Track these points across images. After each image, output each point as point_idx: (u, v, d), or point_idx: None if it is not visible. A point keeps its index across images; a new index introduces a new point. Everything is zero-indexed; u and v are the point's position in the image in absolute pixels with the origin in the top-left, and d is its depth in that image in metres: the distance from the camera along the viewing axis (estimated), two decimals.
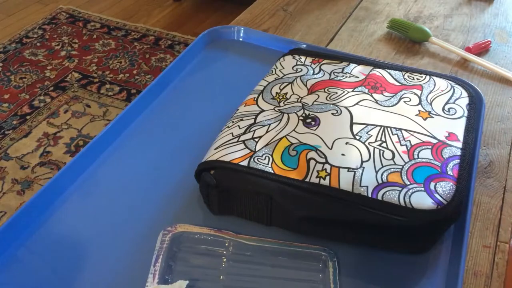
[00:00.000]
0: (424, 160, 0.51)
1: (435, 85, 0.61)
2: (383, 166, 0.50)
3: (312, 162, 0.50)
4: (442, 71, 0.77)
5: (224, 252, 0.51)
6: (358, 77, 0.62)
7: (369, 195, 0.47)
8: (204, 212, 0.55)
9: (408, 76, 0.63)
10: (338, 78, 0.62)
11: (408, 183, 0.48)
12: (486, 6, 0.95)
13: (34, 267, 0.50)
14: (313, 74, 0.64)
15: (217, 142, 0.55)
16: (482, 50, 0.82)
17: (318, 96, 0.59)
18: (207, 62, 0.78)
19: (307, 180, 0.49)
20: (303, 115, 0.56)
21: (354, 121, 0.55)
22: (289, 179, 0.49)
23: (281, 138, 0.53)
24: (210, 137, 0.59)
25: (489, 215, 0.57)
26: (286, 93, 0.61)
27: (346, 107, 0.57)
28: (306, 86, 0.61)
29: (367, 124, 0.55)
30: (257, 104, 0.60)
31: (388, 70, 0.64)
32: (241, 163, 0.51)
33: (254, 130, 0.55)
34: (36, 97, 1.69)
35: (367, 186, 0.48)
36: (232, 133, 0.55)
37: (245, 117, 0.58)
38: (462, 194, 0.48)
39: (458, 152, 0.52)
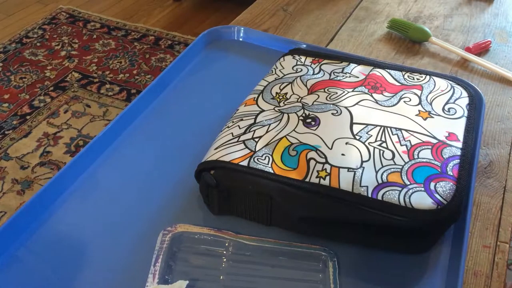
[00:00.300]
0: (424, 160, 0.51)
1: (435, 85, 0.61)
2: (383, 166, 0.50)
3: (312, 162, 0.50)
4: (442, 71, 0.77)
5: (224, 252, 0.51)
6: (358, 77, 0.62)
7: (369, 195, 0.47)
8: (204, 212, 0.55)
9: (408, 76, 0.63)
10: (338, 78, 0.62)
11: (408, 183, 0.48)
12: (486, 6, 0.95)
13: (34, 267, 0.50)
14: (313, 74, 0.64)
15: (217, 142, 0.55)
16: (482, 50, 0.82)
17: (318, 96, 0.59)
18: (207, 62, 0.78)
19: (307, 180, 0.49)
20: (303, 115, 0.56)
21: (354, 121, 0.55)
22: (289, 179, 0.49)
23: (281, 138, 0.53)
24: (210, 137, 0.59)
25: (489, 215, 0.57)
26: (286, 93, 0.61)
27: (346, 107, 0.57)
28: (306, 86, 0.61)
29: (367, 124, 0.55)
30: (257, 104, 0.60)
31: (388, 70, 0.64)
32: (241, 163, 0.51)
33: (254, 130, 0.55)
34: (36, 97, 1.69)
35: (367, 186, 0.48)
36: (232, 133, 0.55)
37: (245, 117, 0.58)
38: (462, 194, 0.48)
39: (458, 152, 0.52)
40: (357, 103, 0.58)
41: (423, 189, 0.47)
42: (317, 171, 0.49)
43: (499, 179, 0.61)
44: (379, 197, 0.47)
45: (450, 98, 0.60)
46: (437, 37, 0.84)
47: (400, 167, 0.50)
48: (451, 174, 0.49)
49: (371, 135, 0.53)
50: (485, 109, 0.66)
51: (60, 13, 2.15)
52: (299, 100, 0.59)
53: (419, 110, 0.57)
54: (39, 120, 1.60)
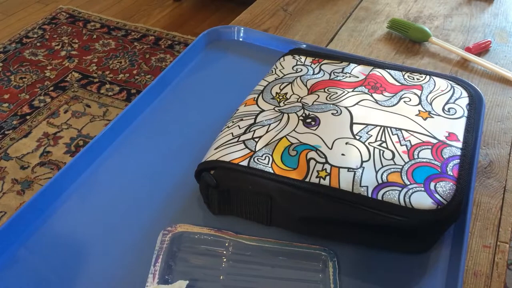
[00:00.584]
0: (424, 160, 0.51)
1: (435, 85, 0.61)
2: (383, 166, 0.50)
3: (312, 162, 0.50)
4: (442, 71, 0.77)
5: (224, 252, 0.51)
6: (358, 77, 0.62)
7: (369, 195, 0.47)
8: (204, 212, 0.55)
9: (408, 76, 0.63)
10: (338, 78, 0.62)
11: (408, 183, 0.48)
12: (486, 6, 0.95)
13: (34, 267, 0.50)
14: (313, 74, 0.64)
15: (217, 142, 0.55)
16: (482, 50, 0.82)
17: (318, 96, 0.59)
18: (207, 62, 0.78)
19: (307, 180, 0.49)
20: (303, 115, 0.56)
21: (354, 121, 0.55)
22: (289, 179, 0.49)
23: (281, 138, 0.53)
24: (210, 137, 0.59)
25: (489, 215, 0.57)
26: (286, 93, 0.61)
27: (346, 107, 0.57)
28: (306, 86, 0.61)
29: (367, 124, 0.55)
30: (257, 104, 0.60)
31: (388, 70, 0.64)
32: (241, 163, 0.51)
33: (254, 130, 0.55)
34: (36, 97, 1.69)
35: (367, 186, 0.48)
36: (232, 133, 0.55)
37: (245, 117, 0.58)
38: (462, 194, 0.48)
39: (458, 152, 0.52)
40: (357, 103, 0.58)
41: (423, 189, 0.47)
42: (317, 171, 0.49)
43: (499, 179, 0.61)
44: (379, 197, 0.47)
45: (450, 98, 0.60)
46: (437, 37, 0.84)
47: (400, 167, 0.50)
48: (451, 174, 0.49)
49: (371, 135, 0.53)
50: (485, 109, 0.66)
51: (60, 13, 2.15)
52: (299, 100, 0.59)
53: (419, 110, 0.57)
54: (39, 120, 1.60)
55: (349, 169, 0.49)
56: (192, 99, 0.70)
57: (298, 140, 0.53)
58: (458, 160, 0.51)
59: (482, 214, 0.57)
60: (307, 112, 0.57)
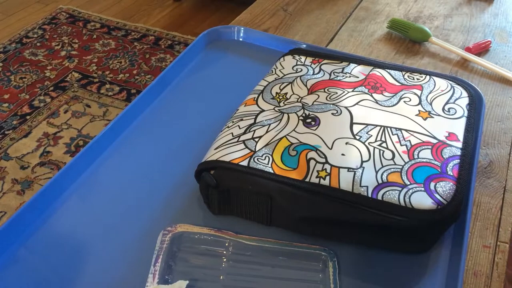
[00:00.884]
0: (424, 160, 0.51)
1: (435, 85, 0.61)
2: (383, 166, 0.50)
3: (312, 162, 0.50)
4: (442, 71, 0.77)
5: (224, 252, 0.51)
6: (358, 77, 0.62)
7: (369, 195, 0.47)
8: (204, 212, 0.55)
9: (408, 76, 0.63)
10: (338, 78, 0.62)
11: (408, 183, 0.48)
12: (486, 6, 0.95)
13: (34, 267, 0.50)
14: (313, 74, 0.64)
15: (217, 142, 0.55)
16: (482, 50, 0.82)
17: (318, 96, 0.59)
18: (207, 62, 0.78)
19: (307, 180, 0.49)
20: (303, 115, 0.56)
21: (354, 121, 0.55)
22: (289, 179, 0.49)
23: (281, 138, 0.53)
24: (210, 137, 0.59)
25: (489, 215, 0.57)
26: (286, 93, 0.61)
27: (346, 107, 0.57)
28: (306, 86, 0.61)
29: (367, 124, 0.55)
30: (257, 104, 0.60)
31: (388, 70, 0.64)
32: (241, 163, 0.51)
33: (254, 130, 0.55)
34: (36, 97, 1.69)
35: (367, 186, 0.48)
36: (232, 133, 0.55)
37: (245, 117, 0.58)
38: (462, 194, 0.48)
39: (458, 152, 0.52)
40: (357, 103, 0.58)
41: (423, 189, 0.47)
42: (317, 171, 0.49)
43: (499, 179, 0.61)
44: (379, 197, 0.47)
45: (450, 98, 0.60)
46: (437, 37, 0.84)
47: (400, 167, 0.50)
48: (451, 174, 0.49)
49: (371, 135, 0.53)
50: (485, 109, 0.66)
51: (60, 13, 2.15)
52: (299, 100, 0.59)
53: (419, 110, 0.57)
54: (39, 120, 1.60)
55: (349, 169, 0.49)
56: (192, 99, 0.70)
57: (298, 140, 0.53)
58: (458, 160, 0.51)
59: (482, 214, 0.57)
60: (307, 112, 0.57)
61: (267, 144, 0.53)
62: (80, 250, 0.51)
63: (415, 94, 0.60)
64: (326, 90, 0.60)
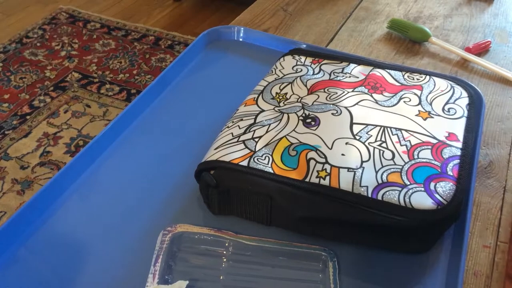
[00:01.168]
0: (424, 160, 0.51)
1: (435, 85, 0.61)
2: (383, 166, 0.50)
3: (312, 162, 0.50)
4: (442, 71, 0.77)
5: (224, 252, 0.51)
6: (358, 77, 0.62)
7: (369, 195, 0.47)
8: (204, 212, 0.55)
9: (408, 76, 0.63)
10: (338, 78, 0.62)
11: (408, 183, 0.48)
12: (486, 6, 0.95)
13: (34, 267, 0.50)
14: (313, 74, 0.64)
15: (217, 142, 0.55)
16: (482, 50, 0.82)
17: (318, 96, 0.59)
18: (207, 62, 0.78)
19: (307, 180, 0.49)
20: (303, 115, 0.56)
21: (354, 121, 0.55)
22: (289, 179, 0.49)
23: (281, 138, 0.53)
24: (210, 137, 0.59)
25: (489, 215, 0.57)
26: (286, 93, 0.61)
27: (346, 107, 0.57)
28: (306, 86, 0.61)
29: (367, 124, 0.55)
30: (257, 104, 0.60)
31: (388, 70, 0.64)
32: (241, 163, 0.51)
33: (254, 130, 0.55)
34: (36, 97, 1.69)
35: (367, 186, 0.48)
36: (232, 133, 0.55)
37: (245, 117, 0.58)
38: (462, 194, 0.48)
39: (458, 152, 0.52)
40: (357, 103, 0.58)
41: (423, 189, 0.47)
42: (317, 171, 0.49)
43: (499, 179, 0.61)
44: (379, 197, 0.47)
45: (450, 98, 0.60)
46: (437, 37, 0.84)
47: (400, 167, 0.50)
48: (451, 174, 0.49)
49: (371, 135, 0.53)
50: (485, 109, 0.66)
51: (60, 13, 2.15)
52: (299, 100, 0.59)
53: (419, 110, 0.57)
54: (39, 120, 1.60)
55: (349, 169, 0.49)
56: (192, 99, 0.70)
57: (298, 140, 0.53)
58: (458, 160, 0.51)
59: (482, 214, 0.57)
60: (307, 112, 0.57)
61: (267, 144, 0.53)
62: (80, 250, 0.51)
63: (415, 94, 0.60)
64: (326, 90, 0.60)
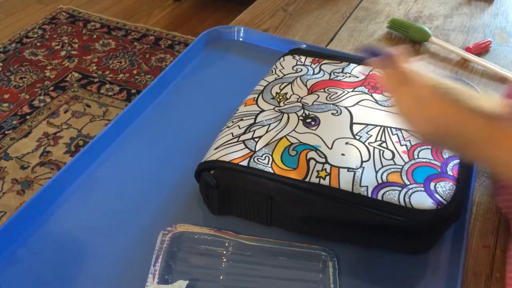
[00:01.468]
0: (424, 160, 0.50)
1: None
2: (383, 166, 0.50)
3: (312, 162, 0.50)
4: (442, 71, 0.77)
5: (224, 252, 0.51)
6: (358, 77, 0.62)
7: (369, 195, 0.47)
8: (204, 212, 0.55)
9: None
10: (338, 78, 0.62)
11: (408, 183, 0.48)
12: (486, 6, 0.95)
13: (34, 267, 0.50)
14: (313, 74, 0.64)
15: (217, 142, 0.55)
16: (482, 50, 0.82)
17: (318, 96, 0.59)
18: (207, 62, 0.78)
19: (307, 180, 0.49)
20: (303, 115, 0.56)
21: (354, 121, 0.55)
22: (289, 179, 0.49)
23: (281, 138, 0.53)
24: (210, 137, 0.59)
25: (489, 215, 0.57)
26: (286, 93, 0.61)
27: (346, 107, 0.57)
28: (306, 86, 0.61)
29: (367, 124, 0.55)
30: (257, 104, 0.60)
31: None
32: (241, 163, 0.51)
33: (254, 130, 0.55)
34: (36, 97, 1.69)
35: (367, 186, 0.48)
36: (232, 133, 0.55)
37: (245, 117, 0.58)
38: (462, 194, 0.48)
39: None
40: (357, 103, 0.58)
41: (423, 189, 0.47)
42: (317, 171, 0.49)
43: None
44: (379, 197, 0.47)
45: None
46: (437, 37, 0.84)
47: (400, 167, 0.50)
48: (451, 174, 0.49)
49: (371, 135, 0.53)
50: None
51: (60, 13, 2.15)
52: (299, 100, 0.59)
53: None
54: (39, 120, 1.60)
55: (349, 169, 0.49)
56: (192, 99, 0.70)
57: (298, 140, 0.53)
58: (458, 160, 0.51)
59: (482, 214, 0.57)
60: (307, 112, 0.57)
61: (267, 144, 0.53)
62: (80, 250, 0.51)
63: None
64: (326, 90, 0.60)
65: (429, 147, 0.52)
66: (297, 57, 0.68)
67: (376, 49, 0.44)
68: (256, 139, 0.53)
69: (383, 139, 0.53)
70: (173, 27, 2.11)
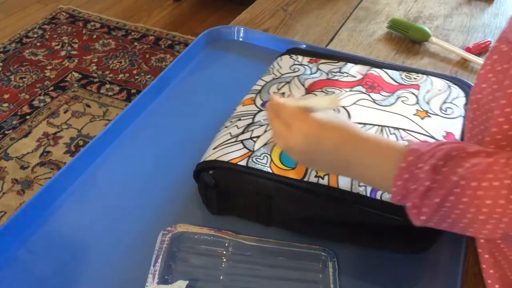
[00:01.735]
0: None
1: (432, 84, 0.61)
2: None
3: None
4: (442, 71, 0.77)
5: (224, 252, 0.51)
6: (355, 77, 0.62)
7: (368, 195, 0.47)
8: (204, 212, 0.55)
9: (405, 75, 0.63)
10: (336, 77, 0.62)
11: None
12: (486, 6, 0.95)
13: (34, 267, 0.50)
14: (311, 73, 0.63)
15: (216, 142, 0.55)
16: (482, 50, 0.82)
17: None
18: (207, 62, 0.78)
19: (305, 179, 0.49)
20: None
21: (352, 120, 0.55)
22: (287, 179, 0.49)
23: None
24: (211, 137, 0.59)
25: None
26: (283, 93, 0.61)
27: (344, 107, 0.57)
28: (303, 85, 0.61)
29: (365, 124, 0.55)
30: (254, 103, 0.59)
31: (386, 70, 0.64)
32: (239, 163, 0.51)
33: (252, 130, 0.55)
34: (36, 97, 1.69)
35: (365, 186, 0.48)
36: (230, 133, 0.55)
37: (243, 116, 0.58)
38: None
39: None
40: (354, 103, 0.58)
41: None
42: (316, 170, 0.49)
43: None
44: (378, 197, 0.47)
45: (447, 97, 0.60)
46: (437, 37, 0.84)
47: None
48: None
49: None
50: None
51: (60, 13, 2.15)
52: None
53: (416, 110, 0.57)
54: (39, 120, 1.60)
55: None
56: (192, 99, 0.70)
57: None
58: None
59: None
60: None
61: (265, 144, 0.53)
62: (79, 250, 0.51)
63: (413, 93, 0.60)
64: (323, 89, 0.60)
65: None
66: (294, 56, 0.67)
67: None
68: (255, 139, 0.53)
69: None
70: (173, 27, 2.11)
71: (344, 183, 0.48)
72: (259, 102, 0.60)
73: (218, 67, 0.77)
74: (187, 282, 0.47)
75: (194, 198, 0.56)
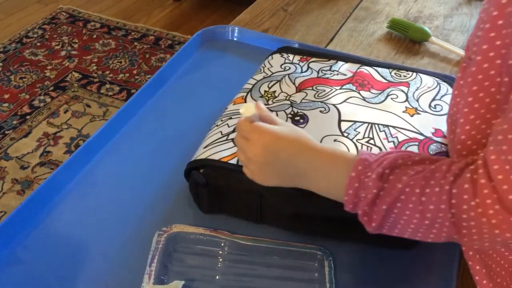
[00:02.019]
0: None
1: (421, 82, 0.61)
2: None
3: None
4: (442, 71, 0.76)
5: (220, 252, 0.50)
6: (345, 75, 0.62)
7: None
8: (200, 212, 0.54)
9: (395, 73, 0.63)
10: (326, 76, 0.62)
11: None
12: None
13: (31, 266, 0.50)
14: (301, 72, 0.63)
15: (206, 141, 0.55)
16: None
17: (306, 94, 0.59)
18: (201, 61, 0.78)
19: None
20: (292, 112, 0.56)
21: (342, 118, 0.55)
22: None
23: None
24: (204, 136, 0.59)
25: None
26: (274, 91, 0.60)
27: (334, 105, 0.57)
28: (294, 84, 0.61)
29: (355, 121, 0.55)
30: (245, 102, 0.59)
31: (375, 68, 0.64)
32: (230, 161, 0.51)
33: None
34: (36, 97, 1.69)
35: None
36: (221, 131, 0.55)
37: (234, 115, 0.57)
38: None
39: (444, 148, 0.52)
40: (345, 101, 0.58)
41: None
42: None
43: None
44: None
45: (437, 94, 0.60)
46: (437, 37, 0.84)
47: None
48: None
49: (359, 132, 0.53)
50: None
51: (60, 13, 2.15)
52: (287, 98, 0.59)
53: (406, 107, 0.57)
54: (39, 120, 1.60)
55: None
56: (186, 99, 0.70)
57: None
58: (445, 156, 0.51)
59: None
60: (295, 110, 0.57)
61: None
62: (76, 249, 0.51)
63: (402, 91, 0.60)
64: (314, 88, 0.60)
65: (416, 143, 0.52)
66: (285, 55, 0.67)
67: None
68: None
69: (370, 135, 0.53)
70: (173, 27, 2.10)
71: None
72: (250, 100, 0.60)
73: (212, 66, 0.77)
74: (183, 282, 0.47)
75: (190, 198, 0.55)
